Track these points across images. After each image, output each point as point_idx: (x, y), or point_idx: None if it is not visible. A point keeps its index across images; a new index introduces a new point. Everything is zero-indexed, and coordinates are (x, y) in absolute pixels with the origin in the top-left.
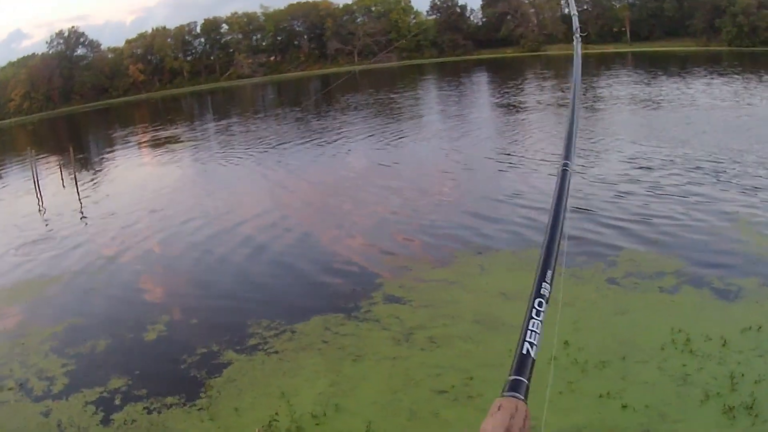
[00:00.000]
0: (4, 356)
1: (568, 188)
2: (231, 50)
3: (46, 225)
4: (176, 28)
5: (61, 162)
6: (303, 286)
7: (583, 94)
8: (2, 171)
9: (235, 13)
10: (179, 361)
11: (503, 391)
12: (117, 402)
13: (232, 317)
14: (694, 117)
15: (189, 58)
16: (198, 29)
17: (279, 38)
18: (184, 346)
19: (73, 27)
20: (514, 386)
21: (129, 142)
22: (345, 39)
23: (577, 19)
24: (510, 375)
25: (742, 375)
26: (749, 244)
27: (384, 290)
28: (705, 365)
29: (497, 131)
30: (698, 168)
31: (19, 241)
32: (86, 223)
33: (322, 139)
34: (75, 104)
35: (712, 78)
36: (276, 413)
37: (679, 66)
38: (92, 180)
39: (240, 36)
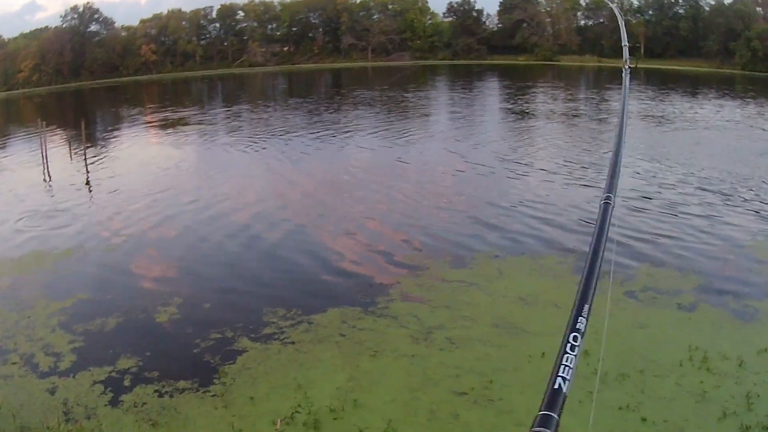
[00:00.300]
0: (10, 329)
1: (609, 222)
2: (245, 38)
3: (54, 198)
4: (192, 11)
5: (69, 136)
6: (319, 277)
7: (596, 107)
8: (9, 141)
9: (252, 1)
10: (192, 345)
11: (533, 426)
12: (126, 383)
13: (247, 304)
14: (707, 137)
15: (202, 43)
16: (214, 14)
17: (294, 29)
18: (197, 331)
19: (88, 2)
20: (544, 422)
21: (137, 121)
22: (359, 35)
23: (627, 50)
24: (541, 410)
25: (758, 396)
26: (765, 267)
27: (402, 288)
28: (722, 383)
29: (508, 137)
30: (711, 189)
31: (26, 212)
32: (94, 199)
33: (333, 133)
34: (84, 80)
35: (725, 100)
36: (299, 405)
37: (692, 86)
38: (100, 156)
39: (255, 24)
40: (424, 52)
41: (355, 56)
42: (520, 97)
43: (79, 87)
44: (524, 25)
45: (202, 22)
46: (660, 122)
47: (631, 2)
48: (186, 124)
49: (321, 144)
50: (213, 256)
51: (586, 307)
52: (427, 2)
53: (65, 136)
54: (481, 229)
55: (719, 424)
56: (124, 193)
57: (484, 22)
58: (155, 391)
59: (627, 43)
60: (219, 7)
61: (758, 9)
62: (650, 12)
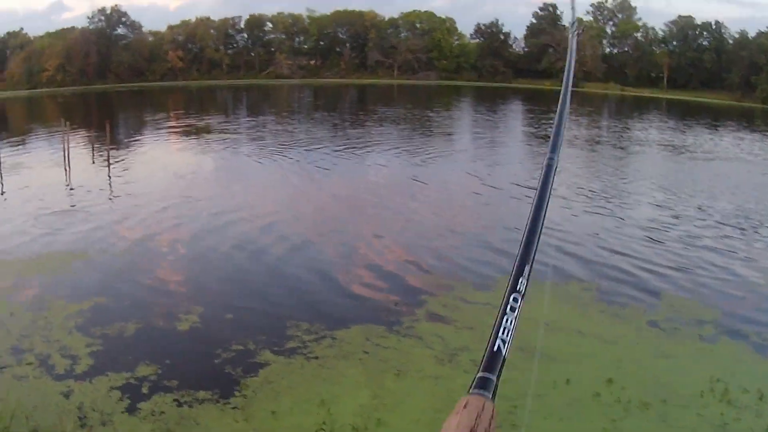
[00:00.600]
0: (26, 328)
1: (552, 183)
2: (272, 49)
3: (75, 199)
4: (220, 20)
5: (93, 137)
6: (343, 293)
7: (620, 135)
8: (31, 140)
9: (281, 13)
10: (213, 356)
11: (470, 389)
12: (145, 390)
13: (269, 317)
14: (727, 170)
15: (230, 52)
16: (242, 24)
17: (321, 43)
18: (219, 341)
19: (115, 5)
20: (482, 384)
21: (161, 126)
22: (386, 52)
23: (574, 12)
24: (479, 372)
25: None
26: None
27: (427, 307)
28: (742, 416)
29: (529, 161)
30: (731, 222)
31: (45, 211)
32: (115, 202)
33: (358, 149)
34: (110, 82)
35: (745, 133)
36: (324, 422)
37: (713, 118)
38: (122, 159)
39: (283, 36)
40: (449, 72)
41: (381, 73)
42: (544, 122)
43: (104, 89)
44: (550, 50)
45: (230, 31)
46: (680, 153)
47: (656, 32)
48: (210, 131)
49: (344, 159)
50: (235, 266)
51: (527, 268)
52: (455, 23)
53: (88, 138)
54: (502, 253)
55: None
56: (145, 198)
57: (511, 45)
58: (174, 400)
59: (574, 6)
60: (247, 17)
61: None
62: (674, 42)
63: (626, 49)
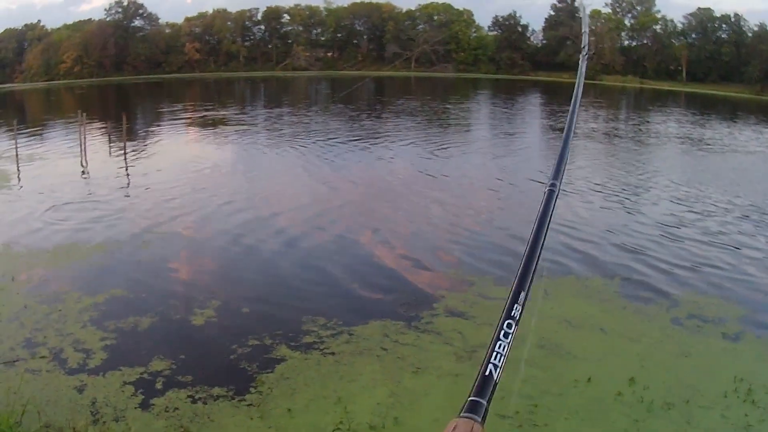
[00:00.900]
0: (39, 321)
1: (553, 210)
2: (290, 41)
3: (90, 191)
4: (237, 12)
5: (109, 129)
6: (360, 287)
7: (639, 129)
8: (48, 131)
9: (298, 5)
10: (228, 351)
11: (461, 412)
12: (158, 386)
13: (286, 311)
14: (746, 164)
15: (247, 44)
16: (259, 16)
17: (339, 35)
18: (234, 336)
19: None
20: (473, 408)
21: (178, 118)
22: (404, 44)
23: (587, 36)
24: (470, 396)
25: None
26: None
27: (446, 303)
28: (766, 418)
29: (548, 155)
30: (752, 218)
31: (61, 203)
32: (131, 194)
33: (374, 141)
34: (127, 74)
35: (764, 127)
36: (341, 421)
37: (731, 111)
38: (138, 152)
39: (300, 28)
40: (467, 65)
41: (398, 65)
42: (562, 114)
43: (121, 81)
44: (568, 42)
45: (247, 23)
46: (699, 146)
47: (675, 25)
48: (227, 123)
49: (360, 151)
50: (251, 261)
51: (522, 294)
52: (472, 15)
53: (105, 129)
54: (522, 248)
55: None
56: (161, 190)
57: (529, 38)
58: (188, 396)
59: (587, 30)
60: (265, 9)
61: None
62: (693, 35)
63: (645, 41)
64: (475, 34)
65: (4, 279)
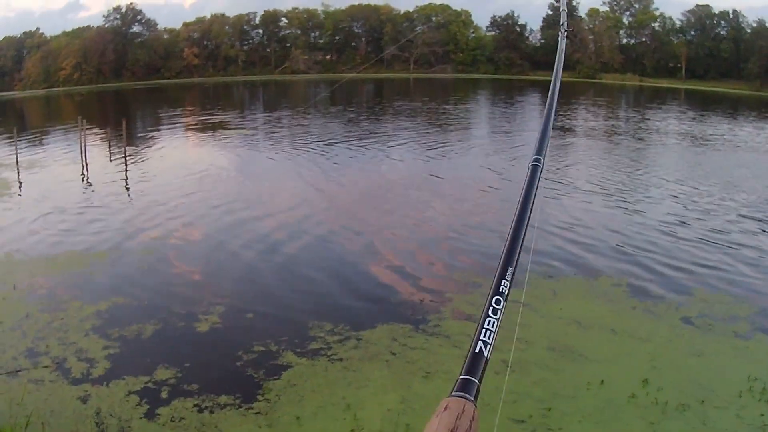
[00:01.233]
0: (42, 330)
1: (538, 185)
2: (288, 44)
3: (91, 197)
4: (235, 16)
5: (109, 135)
6: (365, 292)
7: (639, 126)
8: (49, 138)
9: (296, 8)
10: (234, 358)
11: (452, 391)
12: (164, 395)
13: (291, 317)
14: (748, 161)
15: (245, 48)
16: (257, 20)
17: (337, 38)
18: (240, 343)
19: (131, 3)
20: (464, 386)
21: (177, 123)
22: (402, 45)
23: (565, 14)
24: (460, 374)
25: None
26: None
27: (453, 305)
28: None
29: (548, 154)
30: (756, 216)
31: (61, 210)
32: (132, 200)
33: (374, 143)
34: (126, 80)
35: (765, 123)
36: (352, 430)
37: (731, 108)
38: (138, 157)
39: (298, 31)
40: (466, 65)
41: (397, 67)
42: (562, 114)
43: (119, 87)
44: (567, 41)
45: (245, 27)
46: (700, 143)
47: (674, 22)
48: (227, 128)
49: (361, 154)
50: (254, 266)
51: (510, 269)
52: (470, 15)
53: (105, 136)
54: (526, 249)
55: None
56: (162, 196)
57: (527, 38)
58: (194, 405)
59: (566, 8)
60: (262, 13)
61: None
62: (692, 32)
63: (644, 39)
64: (473, 35)
65: (5, 287)
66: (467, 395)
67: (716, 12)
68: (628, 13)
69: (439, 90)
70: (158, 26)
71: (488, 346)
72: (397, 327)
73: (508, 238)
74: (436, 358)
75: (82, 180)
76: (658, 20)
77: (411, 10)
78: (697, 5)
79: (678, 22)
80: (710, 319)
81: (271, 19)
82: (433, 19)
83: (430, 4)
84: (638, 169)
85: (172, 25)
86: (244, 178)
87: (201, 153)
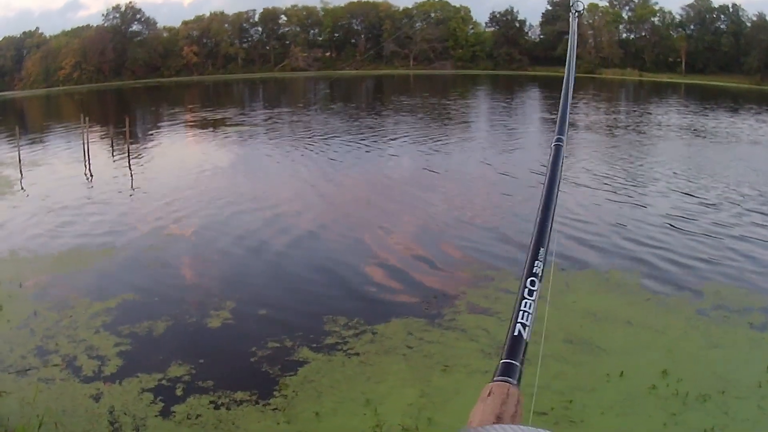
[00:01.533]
0: (50, 328)
1: (562, 165)
2: (287, 42)
3: (95, 195)
4: (234, 14)
5: (110, 133)
6: (377, 286)
7: (640, 121)
8: (50, 137)
9: (295, 6)
10: (248, 354)
11: (495, 376)
12: (179, 392)
13: (304, 311)
14: (750, 154)
15: (245, 46)
16: (256, 18)
17: (336, 35)
18: (253, 338)
19: (130, 2)
20: (506, 370)
21: (178, 121)
22: (402, 42)
23: None
24: (501, 358)
25: None
26: None
27: (467, 299)
28: None
29: (549, 148)
30: (763, 210)
31: (66, 208)
32: (136, 198)
33: (375, 139)
34: (125, 79)
35: (766, 117)
36: (377, 425)
37: (732, 102)
38: (140, 155)
39: (298, 29)
40: (465, 61)
41: (397, 63)
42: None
43: (119, 86)
44: (566, 37)
45: (244, 25)
46: (702, 137)
47: (673, 16)
48: (228, 125)
49: (362, 150)
50: (262, 262)
51: (542, 250)
52: (469, 11)
53: (106, 134)
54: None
55: None
56: (166, 192)
57: (527, 33)
58: (210, 402)
59: None
60: (262, 10)
61: None
62: (692, 27)
63: (643, 33)
64: (472, 31)
65: (11, 285)
66: (510, 379)
67: (716, 6)
68: (627, 7)
69: (439, 86)
70: (157, 25)
71: (527, 328)
72: (412, 321)
73: (537, 220)
74: (453, 352)
75: (86, 178)
76: (658, 15)
77: (410, 6)
78: None
79: (677, 17)
80: (725, 311)
81: (270, 16)
82: (432, 15)
83: (428, 0)
84: (639, 164)
85: (172, 24)
86: (248, 174)
87: (203, 150)
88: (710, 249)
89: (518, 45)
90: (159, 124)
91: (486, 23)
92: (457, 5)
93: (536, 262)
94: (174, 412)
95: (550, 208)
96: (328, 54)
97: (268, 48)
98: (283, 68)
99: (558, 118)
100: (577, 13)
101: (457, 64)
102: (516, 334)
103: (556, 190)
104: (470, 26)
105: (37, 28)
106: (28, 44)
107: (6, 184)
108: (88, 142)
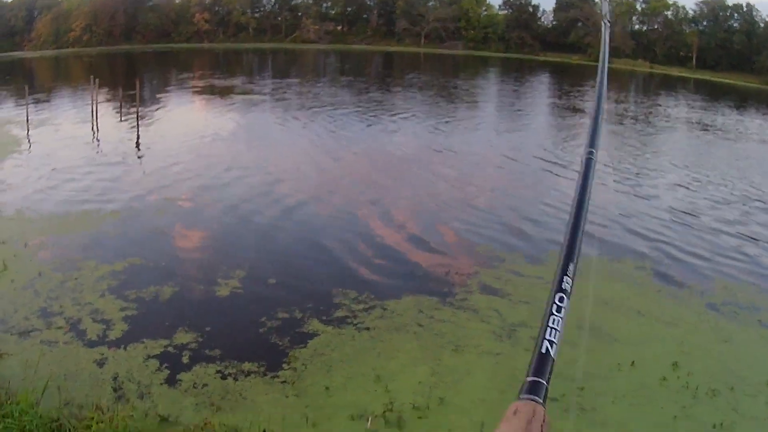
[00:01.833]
0: (55, 289)
1: (593, 178)
2: (299, 14)
3: (102, 157)
4: None
5: (119, 96)
6: (390, 262)
7: (650, 113)
8: (58, 99)
9: None
10: (257, 324)
11: (520, 394)
12: (185, 360)
13: (315, 283)
14: (760, 152)
15: (256, 15)
16: None
17: (349, 9)
18: (262, 308)
19: None
20: (532, 388)
21: (187, 86)
22: (414, 20)
23: (606, 4)
24: (528, 376)
25: None
26: None
27: (479, 279)
28: None
29: (556, 133)
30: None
31: (73, 169)
32: (144, 161)
33: (383, 115)
34: (136, 44)
35: None
36: (388, 402)
37: (742, 100)
38: (149, 119)
39: (310, 1)
40: (477, 43)
41: (408, 41)
42: (571, 94)
43: (129, 50)
44: (579, 24)
45: None
46: (712, 133)
47: (686, 11)
48: (237, 93)
49: (370, 126)
50: (276, 229)
51: (572, 266)
52: None
53: (114, 96)
54: (548, 227)
55: None
56: (174, 157)
57: (540, 18)
58: (217, 371)
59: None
60: None
61: None
62: (704, 23)
63: (656, 26)
64: (485, 13)
65: (17, 244)
66: (536, 398)
67: (730, 4)
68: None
69: (449, 65)
70: None
71: (554, 345)
72: (424, 299)
73: (567, 234)
74: (464, 332)
75: (93, 140)
76: (671, 9)
77: None
78: None
79: (691, 12)
80: (735, 307)
81: None
82: None
83: None
84: (650, 158)
85: None
86: (256, 142)
87: (211, 116)
88: (719, 244)
89: (531, 29)
90: (168, 89)
91: (499, 6)
92: None
93: (565, 277)
94: (180, 380)
95: (579, 222)
96: (339, 27)
97: (279, 19)
98: (294, 40)
99: (589, 130)
100: (608, 24)
101: (469, 44)
102: (543, 351)
103: (586, 205)
104: (483, 8)
105: None
106: (39, 5)
107: (14, 143)
108: (96, 105)
